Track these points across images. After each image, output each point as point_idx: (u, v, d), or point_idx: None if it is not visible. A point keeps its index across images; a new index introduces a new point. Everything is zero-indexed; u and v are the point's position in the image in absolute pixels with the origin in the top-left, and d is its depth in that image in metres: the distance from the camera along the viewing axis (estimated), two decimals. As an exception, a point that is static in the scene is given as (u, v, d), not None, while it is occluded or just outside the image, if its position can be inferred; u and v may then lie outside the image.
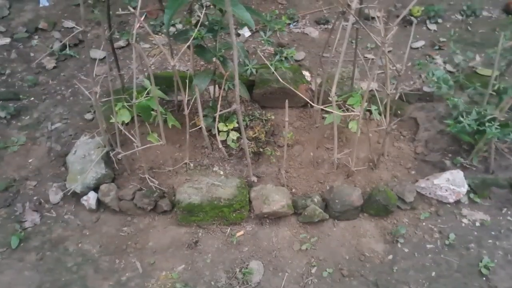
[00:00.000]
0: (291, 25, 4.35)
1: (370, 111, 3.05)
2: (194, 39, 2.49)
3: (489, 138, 2.66)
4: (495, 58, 2.66)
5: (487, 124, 2.59)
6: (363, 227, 2.81)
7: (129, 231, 2.88)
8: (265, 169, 3.04)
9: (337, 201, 2.78)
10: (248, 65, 2.66)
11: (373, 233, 2.78)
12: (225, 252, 2.74)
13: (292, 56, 2.86)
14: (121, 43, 4.20)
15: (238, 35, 4.17)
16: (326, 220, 2.84)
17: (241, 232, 2.82)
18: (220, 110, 2.78)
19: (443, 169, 2.99)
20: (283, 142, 3.16)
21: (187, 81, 2.64)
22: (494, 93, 2.81)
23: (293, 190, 2.95)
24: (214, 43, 2.76)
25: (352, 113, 2.57)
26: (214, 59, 2.70)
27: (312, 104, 2.55)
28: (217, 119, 2.76)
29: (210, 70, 2.84)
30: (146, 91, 2.63)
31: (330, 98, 2.56)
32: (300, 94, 2.55)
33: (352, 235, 2.78)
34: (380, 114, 2.83)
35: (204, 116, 2.98)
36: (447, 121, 2.87)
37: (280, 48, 4.02)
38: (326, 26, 4.35)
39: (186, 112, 2.60)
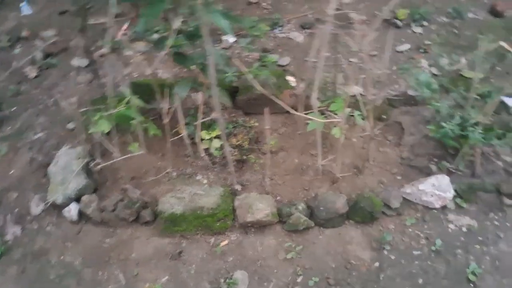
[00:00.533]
0: (276, 30, 4.32)
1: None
2: (172, 47, 2.45)
3: (473, 143, 2.63)
4: (477, 62, 2.65)
5: (469, 129, 2.56)
6: (349, 234, 2.77)
7: (112, 243, 2.83)
8: (250, 176, 3.00)
9: (321, 208, 2.74)
10: (227, 73, 2.62)
11: (359, 241, 2.74)
12: (210, 262, 2.69)
13: (273, 62, 2.82)
14: (105, 50, 4.14)
15: (221, 41, 4.13)
16: (311, 228, 2.79)
17: (226, 242, 2.77)
18: (202, 118, 2.75)
19: (429, 174, 2.96)
20: (270, 148, 3.14)
21: (170, 89, 2.61)
22: (478, 97, 2.79)
23: (278, 197, 2.91)
24: (198, 49, 2.73)
25: (334, 119, 2.53)
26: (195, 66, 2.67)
27: (291, 111, 2.52)
28: (198, 127, 2.72)
29: (191, 78, 2.80)
30: (125, 100, 2.59)
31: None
32: (278, 101, 2.51)
33: (338, 243, 2.74)
34: (363, 119, 2.80)
35: (186, 124, 2.93)
36: (429, 127, 2.84)
37: (264, 53, 4.00)
38: (311, 30, 4.32)
39: (166, 120, 2.56)
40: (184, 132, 2.83)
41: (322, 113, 2.85)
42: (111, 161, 2.77)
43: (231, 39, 4.19)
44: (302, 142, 3.12)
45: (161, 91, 2.78)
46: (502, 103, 3.16)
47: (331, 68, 3.87)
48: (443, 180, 2.82)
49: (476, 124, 2.59)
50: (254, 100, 3.30)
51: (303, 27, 4.35)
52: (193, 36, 2.67)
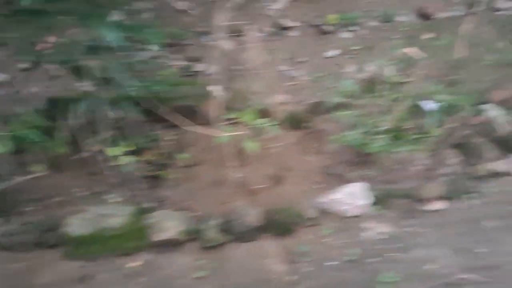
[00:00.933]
0: (204, 38, 4.23)
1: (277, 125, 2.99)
2: (66, 61, 2.32)
3: (376, 151, 2.62)
4: (385, 67, 2.64)
5: (374, 137, 2.55)
6: (265, 248, 2.70)
7: (17, 268, 2.65)
8: (165, 192, 2.89)
9: (236, 222, 2.66)
10: (129, 85, 2.51)
11: (275, 254, 2.67)
12: (120, 285, 2.56)
13: (174, 74, 2.73)
14: (26, 64, 3.95)
15: (143, 50, 4.01)
16: (227, 244, 2.70)
17: (137, 263, 2.65)
18: (113, 133, 2.63)
19: (349, 181, 2.93)
20: (185, 162, 3.04)
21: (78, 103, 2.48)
22: (392, 102, 2.78)
23: (195, 213, 2.81)
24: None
25: (238, 132, 2.46)
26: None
27: (188, 125, 2.44)
28: (105, 143, 2.59)
29: (96, 92, 2.67)
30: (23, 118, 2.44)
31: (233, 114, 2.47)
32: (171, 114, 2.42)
33: (254, 258, 2.66)
34: (278, 127, 2.75)
35: (97, 139, 2.80)
36: (333, 137, 2.80)
37: (191, 62, 3.91)
38: (241, 38, 4.25)
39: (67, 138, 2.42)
40: (95, 148, 2.69)
41: (235, 124, 2.78)
42: (13, 182, 2.59)
43: (156, 48, 4.07)
44: (220, 155, 3.03)
45: (70, 105, 2.64)
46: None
47: (258, 76, 3.82)
48: (358, 187, 2.80)
49: (385, 131, 2.57)
50: (175, 112, 3.18)
51: (232, 34, 4.27)
52: (95, 49, 2.54)
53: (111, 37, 2.17)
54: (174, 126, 3.18)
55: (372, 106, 3.02)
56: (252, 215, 2.67)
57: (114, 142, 2.80)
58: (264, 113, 3.08)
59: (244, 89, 3.59)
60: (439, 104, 2.78)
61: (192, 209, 2.83)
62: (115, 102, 2.58)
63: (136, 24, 3.09)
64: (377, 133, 2.65)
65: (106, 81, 2.54)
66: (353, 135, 2.62)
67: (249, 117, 2.75)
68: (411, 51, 3.01)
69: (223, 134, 2.49)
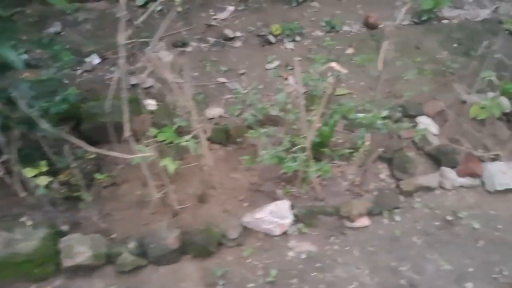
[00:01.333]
0: (145, 49, 4.13)
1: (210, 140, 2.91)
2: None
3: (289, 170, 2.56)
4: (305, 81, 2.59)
5: (295, 154, 2.49)
6: (185, 271, 2.62)
7: None
8: (83, 214, 2.78)
9: (153, 245, 2.58)
10: (33, 104, 2.41)
11: (194, 277, 2.59)
12: (31, 313, 2.46)
13: (73, 94, 2.64)
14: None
15: (83, 62, 3.91)
16: (144, 267, 2.62)
17: (48, 289, 2.55)
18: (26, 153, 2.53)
19: (276, 198, 2.86)
20: (106, 182, 2.95)
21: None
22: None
23: (113, 235, 2.72)
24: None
25: (145, 154, 2.37)
26: None
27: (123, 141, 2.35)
28: (15, 163, 2.49)
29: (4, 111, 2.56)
30: None
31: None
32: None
33: (172, 281, 2.58)
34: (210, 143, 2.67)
35: (12, 159, 2.69)
36: (244, 157, 2.74)
37: (128, 75, 3.80)
38: (183, 48, 4.17)
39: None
40: (14, 168, 2.59)
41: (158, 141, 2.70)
42: None
43: (95, 60, 3.97)
44: (143, 174, 2.94)
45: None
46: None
47: (196, 88, 3.75)
48: (282, 206, 2.73)
49: (301, 149, 2.51)
50: (101, 128, 3.08)
51: (174, 45, 4.19)
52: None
53: (12, 58, 2.08)
54: (105, 143, 3.09)
55: (301, 121, 2.96)
56: (171, 237, 2.59)
57: (31, 162, 2.69)
58: (193, 128, 2.99)
59: (179, 103, 3.50)
60: (369, 117, 2.73)
61: (110, 231, 2.73)
62: (25, 121, 2.47)
63: (44, 41, 2.97)
64: (301, 149, 2.58)
65: (9, 101, 2.43)
66: (272, 153, 2.55)
67: (170, 135, 2.66)
68: (340, 65, 2.96)
69: (139, 154, 2.39)
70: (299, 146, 2.53)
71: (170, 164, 2.63)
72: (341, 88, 3.56)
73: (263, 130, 2.72)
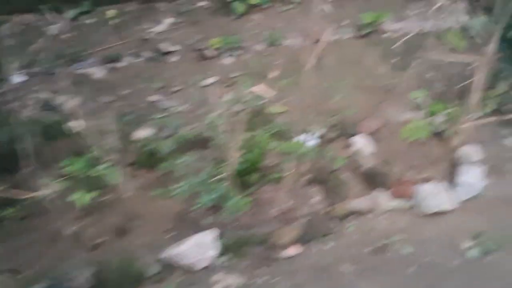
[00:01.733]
0: (75, 66, 3.89)
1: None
2: None
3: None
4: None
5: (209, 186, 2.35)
6: (99, 312, 2.42)
7: None
8: None
9: (65, 285, 2.36)
10: None
11: (108, 319, 2.39)
12: None
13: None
14: None
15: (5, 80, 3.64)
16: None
17: None
18: None
19: (202, 228, 2.71)
20: (17, 215, 2.71)
21: None
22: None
23: (23, 274, 2.49)
24: None
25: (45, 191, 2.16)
26: None
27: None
28: None
29: None
30: None
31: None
32: None
33: (85, 325, 2.37)
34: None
35: None
36: (154, 192, 2.57)
37: (54, 94, 3.58)
38: (116, 64, 3.95)
39: None
40: None
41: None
42: None
43: (17, 78, 3.70)
44: (57, 206, 2.72)
45: None
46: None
47: (127, 108, 3.55)
48: (207, 237, 2.59)
49: (221, 179, 2.37)
50: (10, 156, 2.84)
51: (107, 60, 3.96)
52: None
53: None
54: (8, 172, 2.85)
55: (226, 147, 2.82)
56: (84, 275, 2.39)
57: None
58: (117, 152, 2.79)
59: (107, 124, 3.30)
60: (291, 145, 2.62)
61: (20, 270, 2.49)
62: None
63: None
64: (221, 179, 2.44)
65: None
66: (185, 188, 2.39)
67: (80, 166, 2.46)
68: (267, 87, 2.87)
69: (42, 190, 2.18)
70: (218, 177, 2.38)
71: (81, 198, 2.43)
72: (276, 106, 3.44)
73: (179, 161, 2.54)
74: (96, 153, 2.66)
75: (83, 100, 3.56)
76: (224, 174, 2.41)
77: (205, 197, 2.38)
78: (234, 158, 2.42)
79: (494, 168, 2.96)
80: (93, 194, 2.54)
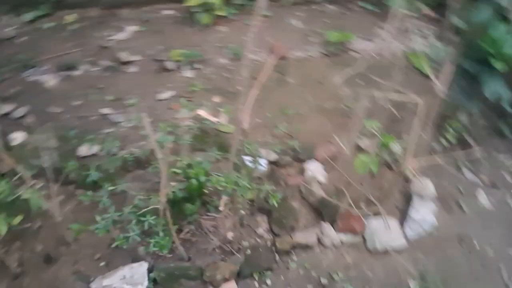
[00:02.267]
0: (26, 72, 3.71)
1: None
2: None
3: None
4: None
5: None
6: None
7: None
8: None
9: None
10: None
11: None
12: None
13: None
14: None
15: None
16: None
17: None
18: None
19: (136, 258, 2.55)
20: None
21: None
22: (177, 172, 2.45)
23: None
24: None
25: None
26: None
27: None
28: None
29: None
30: None
31: None
32: None
33: None
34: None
35: None
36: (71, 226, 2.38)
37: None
38: (71, 72, 3.77)
39: None
40: None
41: None
42: None
43: (-38, 84, 3.51)
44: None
45: None
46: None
47: (75, 121, 3.38)
48: (138, 269, 2.43)
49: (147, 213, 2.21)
50: None
51: (61, 68, 3.78)
52: None
53: None
54: None
55: (165, 171, 2.67)
56: (-1, 309, 2.21)
57: None
58: (52, 171, 2.61)
59: (49, 138, 3.13)
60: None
61: None
62: None
63: None
64: (152, 211, 2.28)
65: None
66: (103, 224, 2.24)
67: (3, 187, 2.28)
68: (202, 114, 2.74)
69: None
70: (150, 207, 2.23)
71: (2, 224, 2.26)
72: (227, 125, 3.29)
73: (112, 187, 2.38)
74: (24, 173, 2.47)
75: (29, 109, 3.39)
76: (157, 203, 2.25)
77: (120, 237, 2.22)
78: (168, 187, 2.27)
79: (446, 204, 2.86)
80: (17, 219, 2.36)
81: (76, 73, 3.79)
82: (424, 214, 2.75)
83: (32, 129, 3.23)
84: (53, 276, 2.47)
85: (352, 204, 2.75)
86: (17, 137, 3.17)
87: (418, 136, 2.63)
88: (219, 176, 2.54)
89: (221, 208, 2.69)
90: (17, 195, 2.30)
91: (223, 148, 3.00)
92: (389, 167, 2.94)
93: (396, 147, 2.90)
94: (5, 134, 3.14)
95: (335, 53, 4.11)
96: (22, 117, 3.36)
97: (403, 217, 2.79)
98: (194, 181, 2.52)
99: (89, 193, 2.41)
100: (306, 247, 2.71)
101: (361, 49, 4.16)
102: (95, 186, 2.81)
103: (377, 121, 2.87)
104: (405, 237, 2.73)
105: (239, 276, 2.54)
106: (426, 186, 2.83)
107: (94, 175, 2.57)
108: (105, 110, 3.46)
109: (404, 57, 3.84)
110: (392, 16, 3.67)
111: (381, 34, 4.23)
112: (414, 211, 2.76)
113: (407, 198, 2.86)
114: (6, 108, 3.39)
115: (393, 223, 2.74)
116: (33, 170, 2.62)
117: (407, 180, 2.88)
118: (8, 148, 3.00)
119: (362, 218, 2.75)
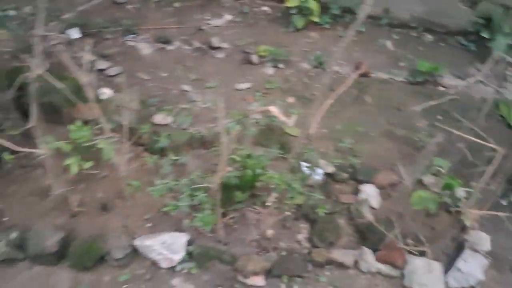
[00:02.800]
0: (128, 37, 4.03)
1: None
2: None
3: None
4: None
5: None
6: (58, 277, 2.49)
7: None
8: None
9: (33, 242, 2.47)
10: None
11: (62, 287, 2.46)
12: None
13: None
14: None
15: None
16: (20, 261, 2.51)
17: None
18: None
19: (179, 228, 2.70)
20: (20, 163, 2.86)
21: None
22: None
23: (6, 218, 2.64)
24: None
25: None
26: None
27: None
28: None
29: None
30: None
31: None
32: None
33: (40, 285, 2.46)
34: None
35: None
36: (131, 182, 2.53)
37: (99, 58, 3.73)
38: (165, 45, 4.04)
39: None
40: None
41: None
42: None
43: (74, 34, 3.90)
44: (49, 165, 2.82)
45: None
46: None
47: (156, 90, 3.62)
48: (178, 239, 2.57)
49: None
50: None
51: (158, 40, 4.07)
52: None
53: None
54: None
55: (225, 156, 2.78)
56: (52, 239, 2.47)
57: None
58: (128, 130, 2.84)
59: (133, 100, 3.39)
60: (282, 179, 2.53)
61: (4, 213, 2.64)
62: None
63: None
64: (203, 189, 2.41)
65: None
66: (159, 187, 2.39)
67: (83, 135, 2.52)
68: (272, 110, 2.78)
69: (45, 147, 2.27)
70: (199, 185, 2.36)
71: (73, 165, 2.51)
72: (293, 128, 3.32)
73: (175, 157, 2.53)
74: (105, 126, 2.70)
75: (122, 71, 3.69)
76: (211, 183, 2.37)
77: (172, 203, 2.36)
78: (224, 171, 2.38)
79: (498, 262, 2.68)
80: (88, 164, 2.60)
81: (169, 47, 4.06)
82: (473, 267, 2.60)
83: (120, 88, 3.50)
84: (104, 224, 2.69)
85: (400, 237, 2.69)
86: (106, 92, 3.47)
87: (486, 185, 2.50)
88: (274, 173, 2.61)
89: (268, 204, 2.74)
90: (93, 142, 2.53)
91: (284, 148, 3.07)
92: (447, 210, 2.82)
93: (460, 192, 2.78)
94: (97, 87, 3.44)
95: (420, 83, 3.99)
96: (114, 76, 3.66)
97: (449, 265, 2.66)
98: (249, 172, 2.61)
99: (155, 157, 2.58)
100: (341, 265, 2.68)
101: (449, 85, 3.99)
102: (161, 153, 3.02)
103: (448, 161, 2.78)
104: (447, 286, 2.60)
105: (269, 274, 2.59)
106: (481, 239, 2.67)
107: (163, 142, 2.75)
108: (186, 87, 3.67)
109: (493, 103, 3.63)
110: (492, 59, 3.50)
111: (475, 74, 4.02)
112: (463, 262, 2.62)
113: (458, 247, 2.72)
114: (103, 64, 3.72)
115: (437, 267, 2.62)
116: (113, 124, 2.84)
117: (463, 228, 2.75)
118: (97, 100, 3.28)
119: (405, 254, 2.67)
